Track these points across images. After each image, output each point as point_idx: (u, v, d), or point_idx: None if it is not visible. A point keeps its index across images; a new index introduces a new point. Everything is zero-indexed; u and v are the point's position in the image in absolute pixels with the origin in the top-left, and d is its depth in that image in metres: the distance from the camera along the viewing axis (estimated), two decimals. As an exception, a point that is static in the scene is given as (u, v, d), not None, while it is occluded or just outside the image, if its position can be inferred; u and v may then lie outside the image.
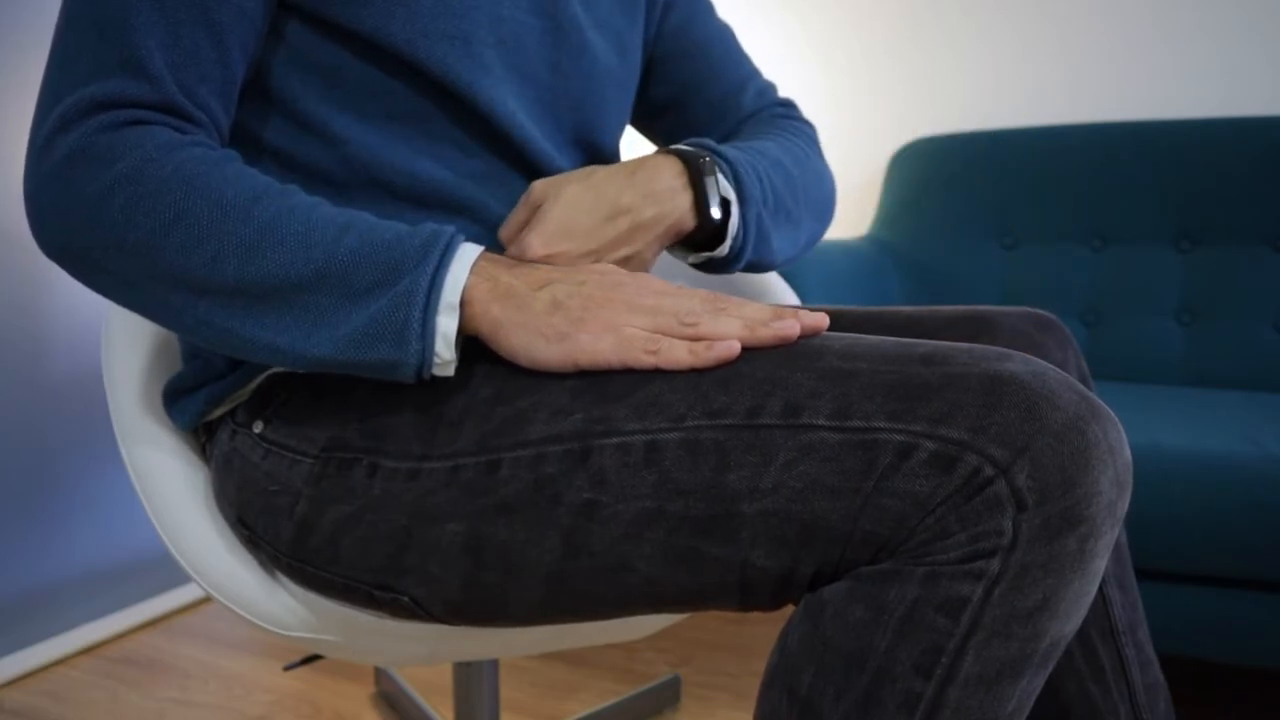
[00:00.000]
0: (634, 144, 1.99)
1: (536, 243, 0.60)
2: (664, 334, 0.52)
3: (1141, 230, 1.58)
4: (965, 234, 1.69)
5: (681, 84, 0.85)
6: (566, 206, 0.62)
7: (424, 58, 0.62)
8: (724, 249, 0.68)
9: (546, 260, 0.60)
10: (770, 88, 0.88)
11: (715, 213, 0.66)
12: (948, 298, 1.67)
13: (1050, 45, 1.78)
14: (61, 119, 0.55)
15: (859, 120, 1.94)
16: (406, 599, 0.58)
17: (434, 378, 0.57)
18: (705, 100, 0.85)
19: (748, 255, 0.69)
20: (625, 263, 0.65)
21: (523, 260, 0.59)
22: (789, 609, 1.66)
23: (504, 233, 0.64)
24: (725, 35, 0.87)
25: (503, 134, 0.66)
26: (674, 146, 0.68)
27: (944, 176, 1.72)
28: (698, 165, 0.65)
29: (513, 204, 0.68)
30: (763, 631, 1.53)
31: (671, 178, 0.65)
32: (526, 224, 0.63)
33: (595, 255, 0.62)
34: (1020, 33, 1.80)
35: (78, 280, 0.58)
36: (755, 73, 0.87)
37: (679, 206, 0.65)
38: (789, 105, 0.87)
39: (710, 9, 0.87)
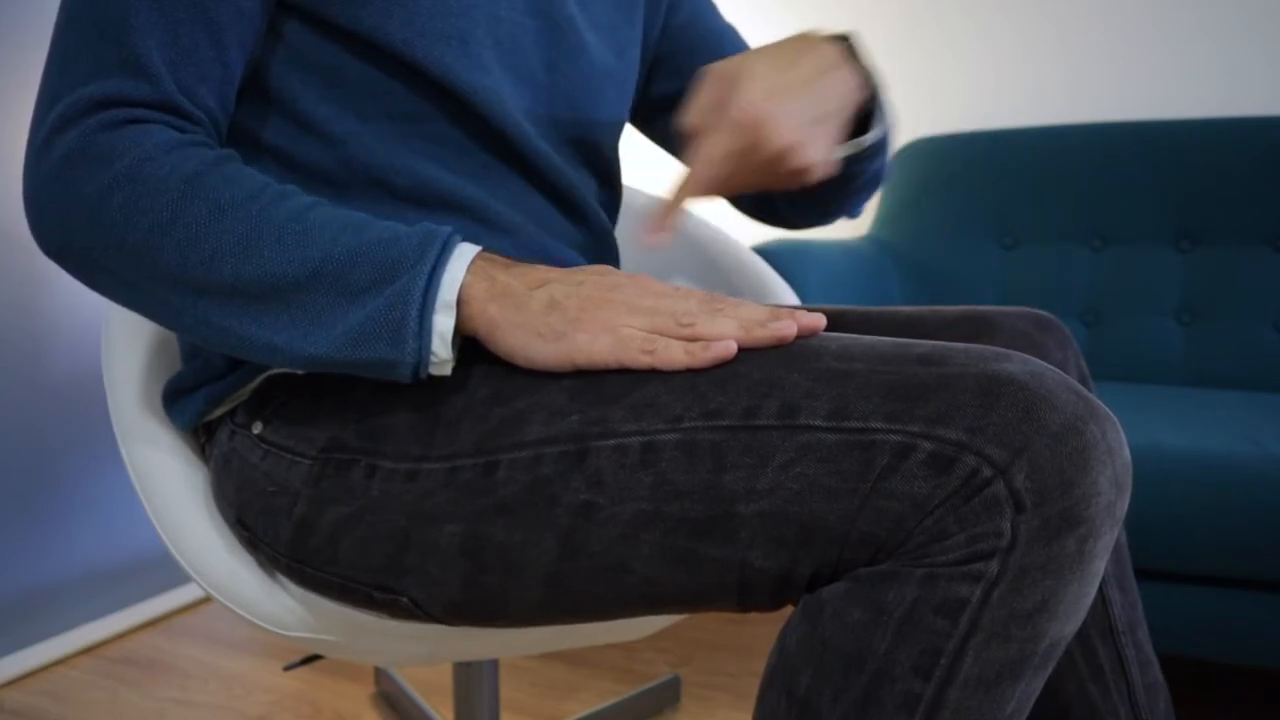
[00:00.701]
0: (634, 144, 1.99)
1: (758, 92, 0.56)
2: (661, 334, 0.52)
3: (1141, 230, 1.58)
4: (965, 234, 1.69)
5: (689, 79, 0.85)
6: (767, 65, 0.58)
7: (421, 57, 0.62)
8: (878, 133, 0.67)
9: (763, 112, 0.56)
10: None
11: (886, 106, 0.65)
12: (948, 298, 1.67)
13: (1050, 45, 1.78)
14: (61, 119, 0.55)
15: (859, 120, 1.94)
16: (406, 600, 0.58)
17: (431, 378, 0.57)
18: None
19: (887, 153, 0.67)
20: (823, 123, 0.60)
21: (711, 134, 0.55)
22: (789, 609, 1.66)
23: (692, 118, 0.59)
24: (732, 33, 0.88)
25: (500, 133, 0.66)
26: (810, 33, 0.64)
27: (944, 176, 1.72)
28: (850, 46, 0.64)
29: (511, 203, 0.68)
30: (763, 631, 1.53)
31: (835, 54, 0.62)
32: (720, 100, 0.58)
33: (812, 104, 0.59)
34: (1020, 33, 1.80)
35: (77, 280, 0.58)
36: None
37: (852, 78, 0.63)
38: None
39: (714, 8, 0.88)
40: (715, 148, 0.58)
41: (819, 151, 0.60)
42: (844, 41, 0.64)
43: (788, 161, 0.59)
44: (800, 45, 0.61)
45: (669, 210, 0.59)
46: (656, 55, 0.85)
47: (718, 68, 0.59)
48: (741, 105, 0.57)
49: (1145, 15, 1.71)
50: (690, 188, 0.59)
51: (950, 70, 1.86)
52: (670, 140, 0.89)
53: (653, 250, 0.57)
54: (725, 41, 0.86)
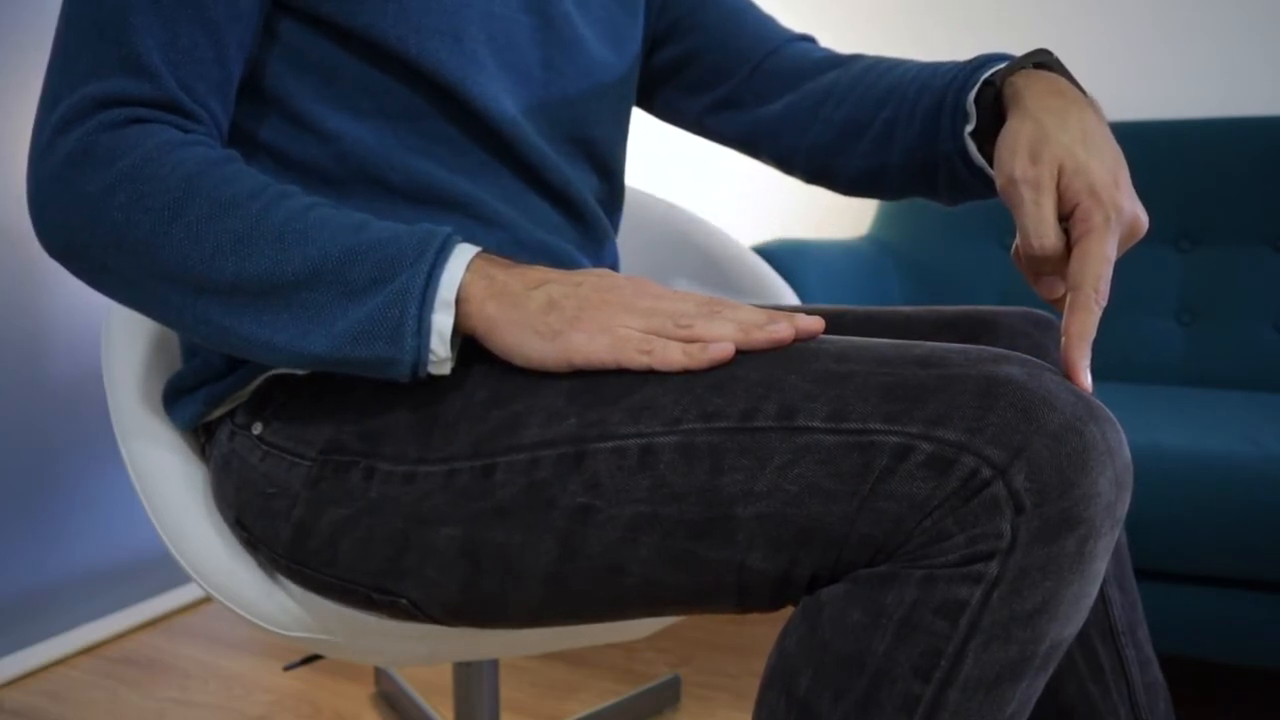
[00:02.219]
0: (634, 144, 1.98)
1: (1105, 178, 0.51)
2: (658, 335, 0.51)
3: (1141, 230, 1.58)
4: (965, 234, 1.69)
5: (697, 36, 0.83)
6: (1074, 138, 0.53)
7: (416, 54, 0.62)
8: None
9: (1130, 205, 0.51)
10: (788, 28, 0.85)
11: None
12: (948, 298, 1.67)
13: (1049, 45, 1.78)
14: (63, 119, 0.56)
15: (859, 120, 1.94)
16: (405, 601, 0.58)
17: (430, 379, 0.57)
18: (725, 45, 0.82)
19: None
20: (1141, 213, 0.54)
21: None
22: (789, 610, 1.66)
23: (1045, 237, 0.52)
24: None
25: (496, 130, 0.66)
26: (1043, 78, 0.59)
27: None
28: (1062, 68, 0.61)
29: (508, 200, 0.68)
30: (763, 631, 1.53)
31: (1076, 92, 0.58)
32: (1060, 195, 0.52)
33: (1122, 164, 0.54)
34: (1020, 33, 1.80)
35: (80, 279, 0.59)
36: (772, 17, 0.86)
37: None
38: (812, 39, 0.85)
39: None
40: (1105, 258, 0.50)
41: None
42: (1058, 67, 0.61)
43: (1139, 233, 0.54)
44: (1075, 105, 0.56)
45: (1081, 350, 0.49)
46: (658, 30, 0.84)
47: (1024, 164, 0.53)
48: (1109, 196, 0.51)
49: (1145, 15, 1.71)
50: (1091, 314, 0.49)
51: (950, 70, 1.86)
52: (679, 104, 0.86)
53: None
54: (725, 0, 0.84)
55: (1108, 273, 0.50)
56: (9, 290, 1.39)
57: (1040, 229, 0.52)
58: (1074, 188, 0.52)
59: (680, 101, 0.86)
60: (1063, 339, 0.49)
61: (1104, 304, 0.46)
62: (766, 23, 0.84)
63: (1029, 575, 0.42)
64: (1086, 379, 0.48)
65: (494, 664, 1.01)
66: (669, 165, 2.04)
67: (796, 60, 0.81)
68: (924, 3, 1.85)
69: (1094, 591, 0.45)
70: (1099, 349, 1.58)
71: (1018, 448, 0.42)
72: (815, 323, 0.51)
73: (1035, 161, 0.53)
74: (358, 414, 0.59)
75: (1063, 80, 0.60)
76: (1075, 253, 0.51)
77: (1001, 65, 0.63)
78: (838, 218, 1.97)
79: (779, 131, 0.80)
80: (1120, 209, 0.51)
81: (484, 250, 0.56)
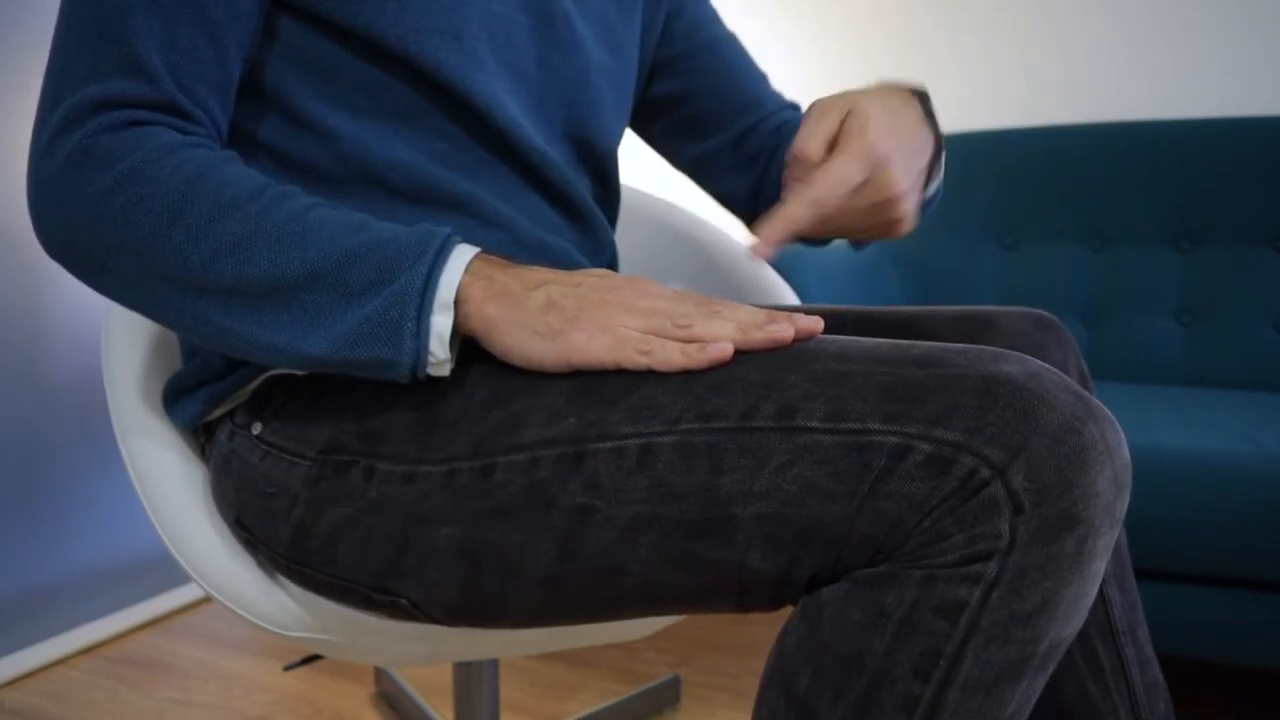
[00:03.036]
0: (630, 147, 1.99)
1: (883, 131, 0.59)
2: (657, 335, 0.52)
3: (1141, 230, 1.58)
4: (965, 234, 1.69)
5: (692, 80, 0.85)
6: (879, 107, 0.61)
7: (415, 53, 0.62)
8: (933, 188, 0.69)
9: (892, 150, 0.59)
10: (778, 92, 0.89)
11: (939, 178, 0.68)
12: (948, 298, 1.67)
13: (1050, 45, 1.78)
14: (63, 120, 0.56)
15: (859, 120, 1.94)
16: (405, 601, 0.58)
17: (430, 379, 0.57)
18: (717, 97, 0.86)
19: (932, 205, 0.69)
20: (919, 176, 0.63)
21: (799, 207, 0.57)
22: (789, 609, 1.66)
23: (808, 146, 0.60)
24: (734, 39, 0.89)
25: (496, 129, 0.66)
26: (896, 84, 0.67)
27: (943, 176, 1.72)
28: (930, 108, 0.67)
29: (507, 199, 0.69)
30: (763, 631, 1.53)
31: (920, 110, 0.65)
32: (844, 132, 0.60)
33: (916, 157, 0.62)
34: (1020, 33, 1.80)
35: (80, 280, 0.59)
36: (765, 75, 0.89)
37: (929, 141, 0.66)
38: (799, 108, 0.89)
39: (718, 16, 0.89)
40: (844, 174, 0.58)
41: (914, 204, 0.62)
42: (922, 98, 0.67)
43: (894, 209, 0.61)
44: (899, 95, 0.64)
45: (779, 227, 0.59)
46: (656, 59, 0.85)
47: (829, 101, 0.61)
48: (875, 139, 0.58)
49: (1145, 15, 1.71)
50: (806, 208, 0.59)
51: (950, 70, 1.86)
52: (666, 140, 0.89)
53: (761, 259, 0.59)
54: (726, 48, 0.87)
55: (837, 187, 0.58)
56: (9, 290, 1.39)
57: (809, 139, 0.60)
58: (850, 126, 0.60)
59: (670, 140, 0.89)
60: (774, 215, 0.58)
61: (820, 210, 0.53)
62: (760, 84, 0.87)
63: (1028, 575, 0.42)
64: (766, 250, 0.57)
65: (494, 664, 1.01)
66: (669, 165, 2.04)
67: (778, 134, 0.85)
68: (924, 3, 1.85)
69: (1093, 591, 0.45)
70: (1099, 349, 1.58)
71: (1016, 448, 0.42)
72: (814, 323, 0.51)
73: (837, 101, 0.61)
74: (358, 414, 0.59)
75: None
76: (822, 164, 0.59)
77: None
78: (838, 218, 1.97)
79: (752, 205, 0.87)
80: (875, 149, 0.58)
81: (483, 251, 0.56)
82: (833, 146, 0.61)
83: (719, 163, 0.87)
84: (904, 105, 0.64)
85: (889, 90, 0.65)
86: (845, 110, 0.61)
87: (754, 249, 0.58)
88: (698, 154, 0.88)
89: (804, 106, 1.95)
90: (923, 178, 0.66)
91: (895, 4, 1.88)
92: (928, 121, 0.67)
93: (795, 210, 0.59)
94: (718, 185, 0.89)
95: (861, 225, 0.63)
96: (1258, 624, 1.07)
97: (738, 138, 0.86)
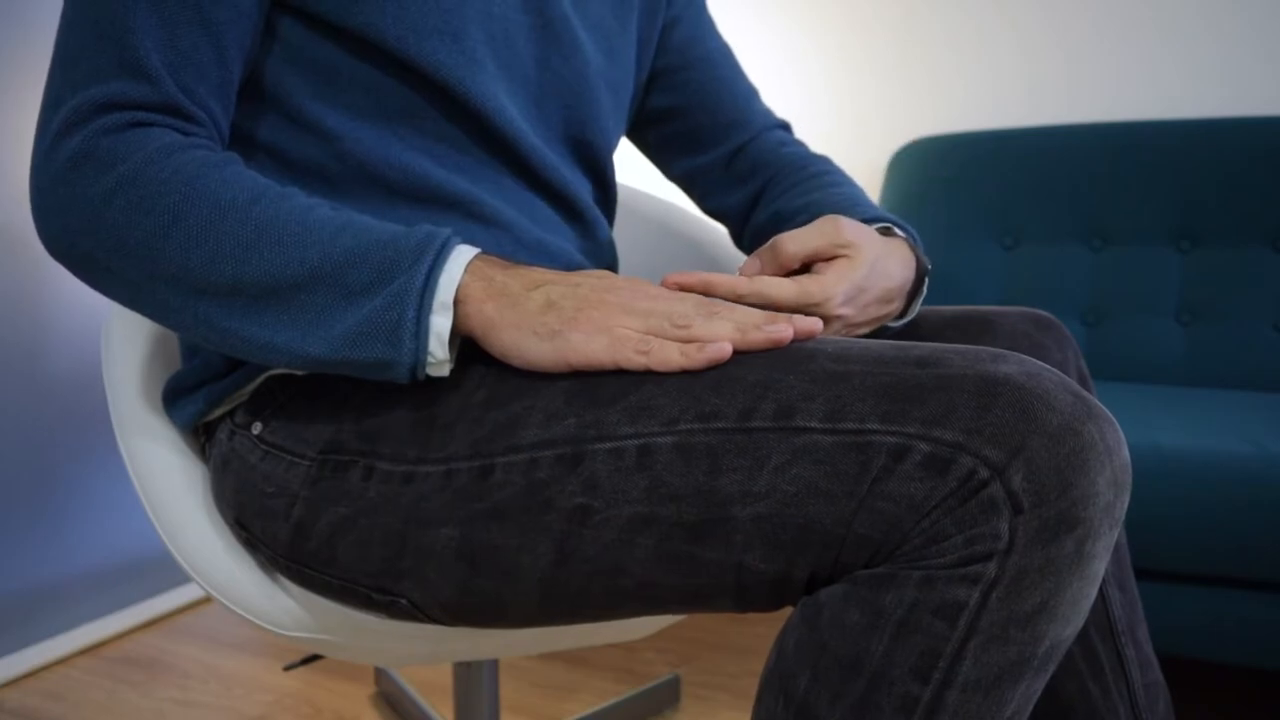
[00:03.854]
0: (629, 147, 1.98)
1: (840, 297, 0.61)
2: (656, 336, 0.52)
3: (1141, 230, 1.58)
4: (965, 234, 1.69)
5: (685, 95, 0.87)
6: (870, 274, 0.63)
7: (414, 54, 0.62)
8: (902, 322, 0.71)
9: (839, 318, 0.62)
10: (768, 109, 0.90)
11: (916, 307, 0.70)
12: (948, 298, 1.67)
13: (1050, 45, 1.78)
14: (65, 122, 0.56)
15: (859, 120, 1.94)
16: (404, 601, 0.58)
17: (429, 379, 0.57)
18: (709, 113, 0.87)
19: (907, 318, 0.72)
20: (873, 320, 0.66)
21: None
22: (789, 609, 1.66)
23: (791, 248, 0.63)
24: (729, 53, 0.90)
25: (495, 130, 0.66)
26: (899, 230, 0.71)
27: (944, 176, 1.72)
28: (924, 267, 0.70)
29: (506, 199, 0.69)
30: (763, 631, 1.53)
31: (912, 277, 0.69)
32: (835, 255, 0.63)
33: (876, 308, 0.65)
34: (1020, 33, 1.80)
35: (82, 280, 0.59)
36: (756, 91, 0.90)
37: (900, 305, 0.69)
38: (788, 127, 0.91)
39: (714, 28, 0.89)
40: (829, 292, 0.61)
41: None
42: (919, 258, 0.70)
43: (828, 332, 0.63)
44: (900, 255, 0.67)
45: (757, 284, 0.60)
46: (653, 69, 0.86)
47: (848, 231, 0.63)
48: (861, 284, 0.62)
49: (1145, 15, 1.71)
50: (790, 288, 0.60)
51: (950, 70, 1.86)
52: (658, 151, 0.91)
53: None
54: (719, 62, 0.88)
55: (798, 299, 0.60)
56: (9, 289, 1.39)
57: (798, 244, 0.63)
58: (850, 265, 0.62)
59: (662, 152, 0.91)
60: (743, 272, 0.62)
61: (773, 335, 0.52)
62: (750, 101, 0.89)
63: (1027, 576, 0.42)
64: (688, 278, 0.59)
65: (494, 664, 1.01)
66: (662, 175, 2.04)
67: (767, 155, 0.86)
68: (925, 3, 1.85)
69: (1093, 592, 0.45)
70: (1099, 349, 1.58)
71: (1015, 448, 0.42)
72: (813, 323, 0.51)
73: (847, 233, 0.63)
74: (357, 414, 0.60)
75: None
76: (812, 272, 0.62)
77: (895, 229, 0.71)
78: (838, 218, 1.97)
79: (741, 223, 0.89)
80: (830, 298, 0.61)
81: (483, 252, 0.56)
82: (811, 258, 0.63)
83: (709, 179, 0.89)
84: (899, 269, 0.66)
85: (894, 248, 0.67)
86: (849, 247, 0.63)
87: (676, 275, 0.60)
88: (688, 168, 0.90)
89: (803, 108, 1.95)
90: (872, 325, 0.68)
91: (895, 4, 1.88)
92: (915, 278, 0.69)
93: (781, 286, 0.60)
94: (707, 201, 0.90)
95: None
96: (1258, 624, 1.07)
97: (728, 157, 0.87)
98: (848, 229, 0.63)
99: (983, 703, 0.43)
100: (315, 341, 0.54)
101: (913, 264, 0.69)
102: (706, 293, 0.59)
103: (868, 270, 0.63)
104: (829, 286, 0.61)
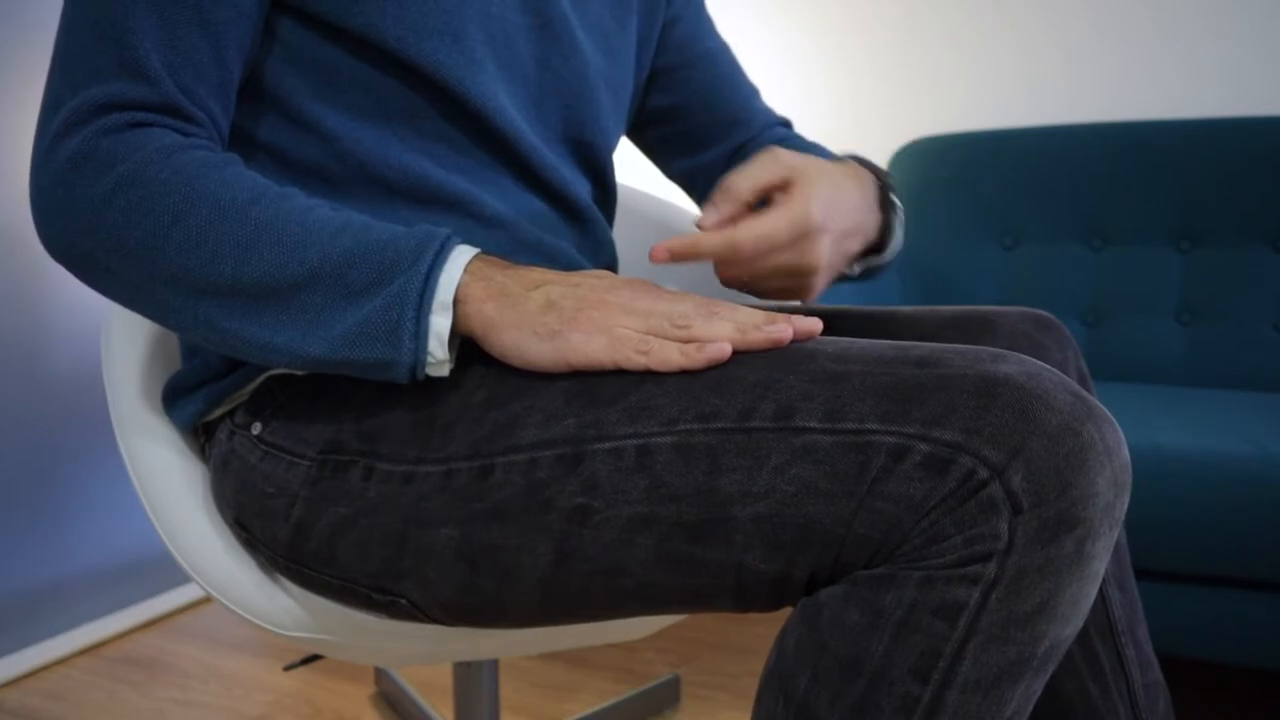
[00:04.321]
0: (629, 146, 1.98)
1: (822, 202, 0.60)
2: (656, 336, 0.52)
3: (1141, 230, 1.58)
4: (965, 234, 1.69)
5: (685, 94, 0.87)
6: (828, 180, 0.62)
7: (414, 54, 0.62)
8: (886, 256, 0.71)
9: (823, 226, 0.61)
10: (769, 107, 0.91)
11: (899, 233, 0.70)
12: (948, 298, 1.67)
13: (1050, 45, 1.78)
14: (64, 123, 0.56)
15: (859, 120, 1.94)
16: (404, 601, 0.58)
17: (429, 380, 0.57)
18: (709, 112, 0.87)
19: (894, 263, 0.72)
20: (844, 253, 0.66)
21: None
22: (789, 609, 1.66)
23: (740, 184, 0.62)
24: (728, 52, 0.90)
25: (494, 130, 0.66)
26: (860, 160, 0.70)
27: (944, 176, 1.72)
28: (889, 190, 0.70)
29: (506, 200, 0.69)
30: (763, 631, 1.53)
31: (875, 195, 0.68)
32: (786, 187, 0.62)
33: (844, 241, 0.64)
34: (1020, 33, 1.80)
35: (81, 281, 0.59)
36: (756, 90, 0.90)
37: (874, 225, 0.68)
38: (789, 125, 0.90)
39: (713, 27, 0.89)
40: (771, 231, 0.60)
41: (826, 280, 0.64)
42: (881, 178, 0.70)
43: (804, 279, 0.62)
44: (854, 176, 0.67)
45: (687, 247, 0.60)
46: (653, 69, 0.86)
47: (784, 155, 0.62)
48: (812, 212, 0.60)
49: (1145, 15, 1.71)
50: (719, 243, 0.60)
51: (950, 70, 1.86)
52: (658, 151, 0.91)
53: (656, 263, 0.60)
54: (719, 61, 0.88)
55: (759, 240, 0.59)
56: (9, 290, 1.39)
57: (744, 178, 0.61)
58: (794, 191, 0.61)
59: (662, 151, 0.91)
60: (690, 236, 0.60)
61: (733, 252, 0.54)
62: (751, 99, 0.89)
63: (1027, 576, 0.42)
64: (664, 255, 0.59)
65: (494, 664, 1.01)
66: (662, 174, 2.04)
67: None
68: (925, 3, 1.85)
69: (1093, 592, 0.45)
70: (1099, 349, 1.58)
71: (1015, 448, 0.42)
72: (813, 323, 0.51)
73: (792, 159, 0.62)
74: (357, 414, 0.60)
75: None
76: (756, 215, 0.60)
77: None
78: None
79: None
80: (809, 221, 0.59)
81: (483, 252, 0.56)
82: (768, 197, 0.62)
83: (710, 178, 0.89)
84: (856, 187, 0.66)
85: (846, 168, 0.67)
86: (793, 170, 0.62)
87: (656, 250, 0.59)
88: (689, 168, 0.90)
89: (803, 108, 1.95)
90: (847, 259, 0.67)
91: (895, 4, 1.88)
92: (880, 205, 0.69)
93: (710, 240, 0.60)
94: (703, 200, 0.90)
95: (766, 285, 0.64)
96: (1258, 624, 1.07)
97: (729, 155, 0.88)
98: (785, 154, 0.63)
99: (983, 703, 0.43)
100: (315, 342, 0.54)
101: (869, 177, 0.69)
102: (694, 254, 0.59)
103: (825, 181, 0.62)
104: (809, 202, 0.60)
